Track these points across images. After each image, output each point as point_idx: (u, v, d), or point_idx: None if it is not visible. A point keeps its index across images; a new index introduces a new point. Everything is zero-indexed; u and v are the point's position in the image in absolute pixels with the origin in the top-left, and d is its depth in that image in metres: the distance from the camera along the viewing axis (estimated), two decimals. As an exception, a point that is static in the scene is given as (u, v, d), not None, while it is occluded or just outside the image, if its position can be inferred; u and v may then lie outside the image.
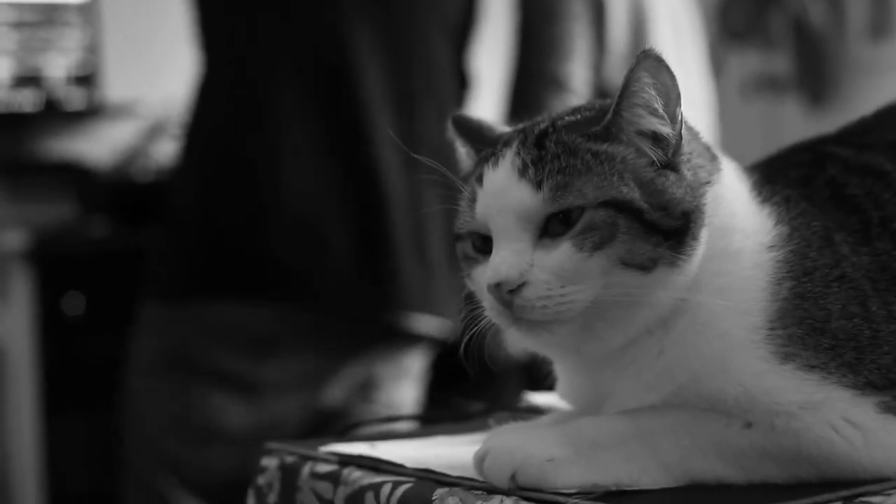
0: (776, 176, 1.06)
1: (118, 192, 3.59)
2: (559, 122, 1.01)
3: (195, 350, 2.15)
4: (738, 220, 1.02)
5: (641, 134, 0.99)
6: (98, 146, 3.92)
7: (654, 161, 0.99)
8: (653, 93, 0.98)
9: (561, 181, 0.97)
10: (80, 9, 3.86)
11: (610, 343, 1.00)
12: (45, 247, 3.51)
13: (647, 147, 0.99)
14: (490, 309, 1.00)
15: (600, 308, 0.98)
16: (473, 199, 1.01)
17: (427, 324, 2.23)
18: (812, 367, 0.97)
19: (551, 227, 0.98)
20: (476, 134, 1.06)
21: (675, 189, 0.98)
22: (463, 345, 1.05)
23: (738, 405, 0.98)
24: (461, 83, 2.38)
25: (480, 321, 1.03)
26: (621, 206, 0.97)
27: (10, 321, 3.61)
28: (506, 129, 1.07)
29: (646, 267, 0.97)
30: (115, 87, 3.91)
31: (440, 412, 1.45)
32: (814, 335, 0.98)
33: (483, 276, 1.00)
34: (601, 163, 0.98)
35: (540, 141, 1.00)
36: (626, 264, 0.97)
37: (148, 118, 3.90)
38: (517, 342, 1.03)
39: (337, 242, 2.14)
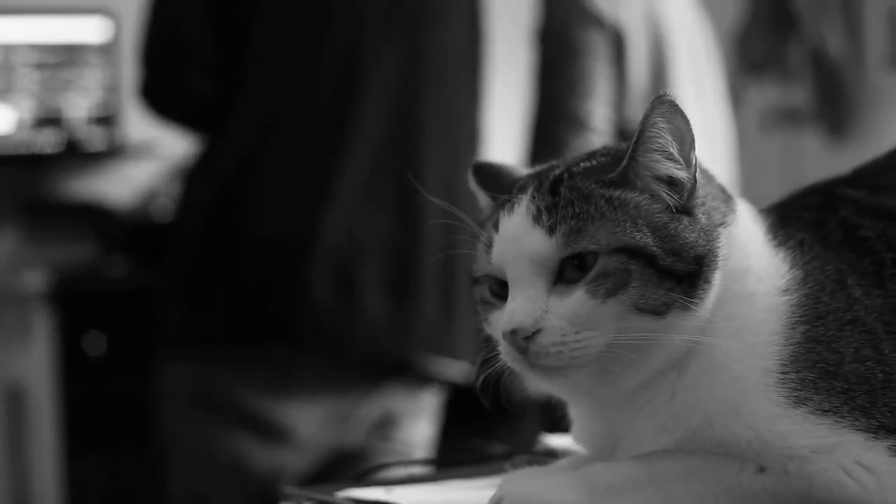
0: (790, 218, 1.07)
1: (138, 232, 3.63)
2: (574, 168, 1.02)
3: (218, 390, 2.18)
4: (752, 262, 1.02)
5: (657, 179, 1.00)
6: (118, 186, 3.96)
7: (668, 206, 1.00)
8: (668, 137, 0.99)
9: (574, 227, 0.98)
10: (101, 49, 3.89)
11: (624, 386, 1.00)
12: (65, 287, 3.54)
13: (662, 192, 1.00)
14: (506, 354, 1.01)
15: (614, 352, 0.98)
16: (490, 245, 1.02)
17: (447, 365, 2.24)
18: (825, 412, 0.97)
19: (566, 273, 0.99)
20: (496, 180, 1.08)
21: (688, 233, 0.99)
22: (480, 384, 1.06)
23: (751, 449, 0.98)
24: (477, 128, 2.41)
25: (497, 362, 1.03)
26: (634, 252, 0.98)
27: (32, 361, 3.65)
28: (525, 172, 1.08)
29: (659, 312, 0.97)
30: (135, 127, 3.95)
31: (457, 455, 1.45)
32: (826, 379, 0.98)
33: (499, 321, 1.01)
34: (615, 209, 0.99)
35: (554, 187, 1.01)
36: (640, 309, 0.97)
37: (167, 158, 3.94)
38: (533, 385, 1.03)
39: (369, 285, 2.17)
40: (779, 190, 1.13)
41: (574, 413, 1.11)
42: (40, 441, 3.60)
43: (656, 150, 1.00)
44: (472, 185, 1.10)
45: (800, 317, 1.00)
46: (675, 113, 0.99)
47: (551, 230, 0.99)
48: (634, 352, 0.98)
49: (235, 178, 2.18)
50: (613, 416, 1.03)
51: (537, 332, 0.98)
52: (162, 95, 2.27)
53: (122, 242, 3.62)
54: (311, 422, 2.19)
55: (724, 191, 1.05)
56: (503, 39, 2.53)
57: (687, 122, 1.00)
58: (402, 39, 2.24)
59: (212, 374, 2.18)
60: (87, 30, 3.90)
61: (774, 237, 1.05)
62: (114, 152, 3.92)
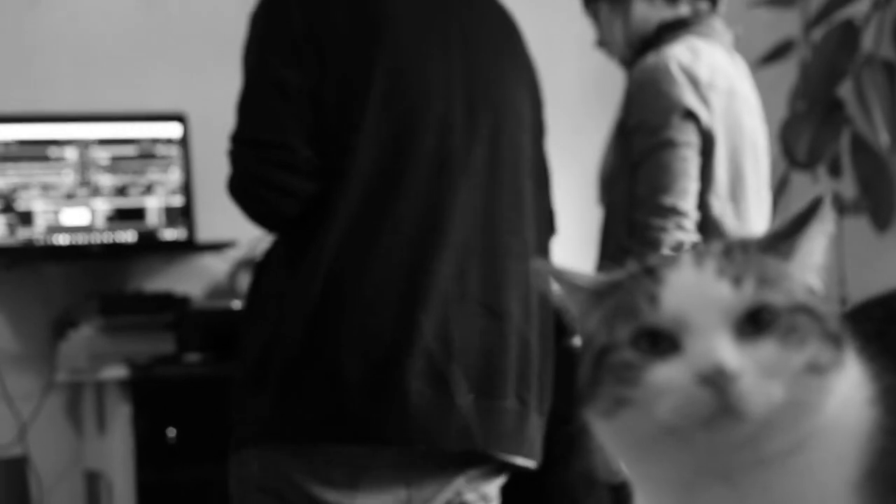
0: (856, 331, 1.08)
1: (212, 325, 3.71)
2: (738, 242, 1.05)
3: (292, 482, 2.22)
4: (847, 368, 1.02)
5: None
6: (193, 279, 4.08)
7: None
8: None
9: (760, 279, 0.99)
10: (176, 144, 4.03)
11: (769, 449, 1.00)
12: (142, 377, 3.64)
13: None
14: (688, 404, 0.98)
15: (780, 409, 0.98)
16: (653, 298, 1.01)
17: (517, 459, 2.33)
18: None
19: (747, 326, 0.99)
20: (568, 279, 1.09)
21: (828, 308, 1.02)
22: (552, 468, 1.09)
23: None
24: (548, 222, 2.51)
25: (577, 443, 1.06)
26: (810, 311, 1.00)
27: (110, 450, 3.73)
28: (602, 276, 1.09)
29: (826, 370, 0.99)
30: (209, 222, 4.07)
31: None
32: None
33: (670, 371, 0.99)
34: (788, 275, 1.02)
35: (729, 250, 1.02)
36: (814, 365, 0.98)
37: (240, 252, 4.07)
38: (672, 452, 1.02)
39: (459, 384, 2.23)
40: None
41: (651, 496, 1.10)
42: (119, 526, 3.67)
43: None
44: (543, 282, 1.12)
45: (879, 428, 1.01)
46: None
47: (737, 280, 0.99)
48: (797, 410, 0.98)
49: (328, 279, 2.21)
50: (702, 493, 1.03)
51: (733, 378, 0.96)
52: (258, 191, 2.25)
53: (197, 334, 3.69)
54: None
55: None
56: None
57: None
58: (486, 142, 2.34)
59: (287, 468, 2.23)
60: (162, 130, 4.03)
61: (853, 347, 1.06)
62: (188, 247, 4.05)
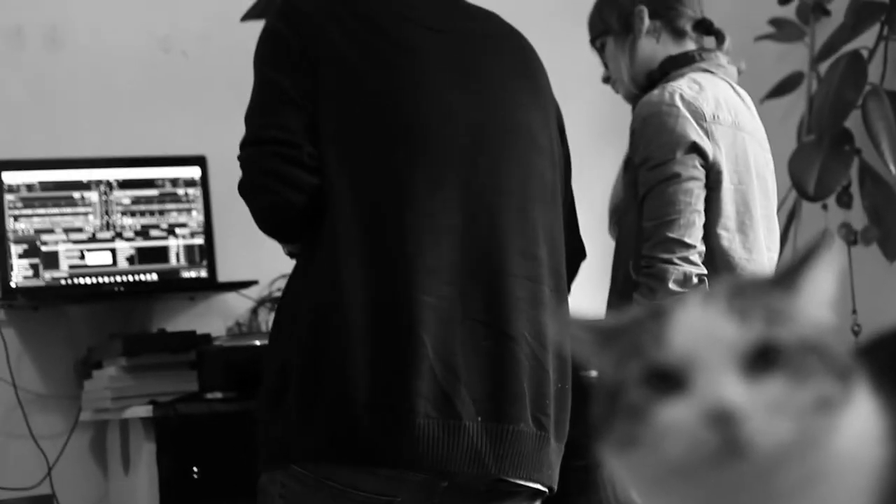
0: (871, 366, 1.06)
1: (233, 363, 3.74)
2: (746, 279, 1.06)
3: None
4: (860, 402, 1.01)
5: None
6: (214, 319, 4.13)
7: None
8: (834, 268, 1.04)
9: (767, 316, 0.99)
10: (196, 186, 4.10)
11: (774, 488, 0.99)
12: (166, 416, 3.67)
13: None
14: (690, 445, 0.98)
15: (787, 446, 0.99)
16: (659, 337, 1.01)
17: (534, 484, 2.37)
18: None
19: (754, 364, 0.98)
20: (596, 327, 1.08)
21: (839, 343, 1.01)
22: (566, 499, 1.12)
23: None
24: (569, 246, 2.54)
25: (595, 475, 1.13)
26: (818, 347, 0.99)
27: (136, 487, 3.77)
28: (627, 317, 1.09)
29: (833, 407, 0.98)
30: (230, 262, 4.13)
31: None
32: None
33: (678, 410, 0.98)
34: (797, 311, 1.01)
35: (736, 287, 1.02)
36: (821, 402, 0.97)
37: (260, 290, 4.13)
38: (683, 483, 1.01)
39: (462, 408, 2.26)
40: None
41: None
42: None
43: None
44: (573, 332, 1.09)
45: (894, 465, 0.99)
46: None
47: (744, 317, 0.99)
48: (805, 447, 0.97)
49: (331, 305, 2.28)
50: None
51: (740, 418, 0.96)
52: (268, 183, 2.33)
53: (219, 371, 3.73)
54: None
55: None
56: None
57: None
58: (493, 162, 2.40)
59: (312, 496, 2.28)
60: (182, 172, 4.10)
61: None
62: (209, 286, 4.11)
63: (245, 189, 2.37)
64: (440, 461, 2.25)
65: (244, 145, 2.37)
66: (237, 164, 2.40)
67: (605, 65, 2.99)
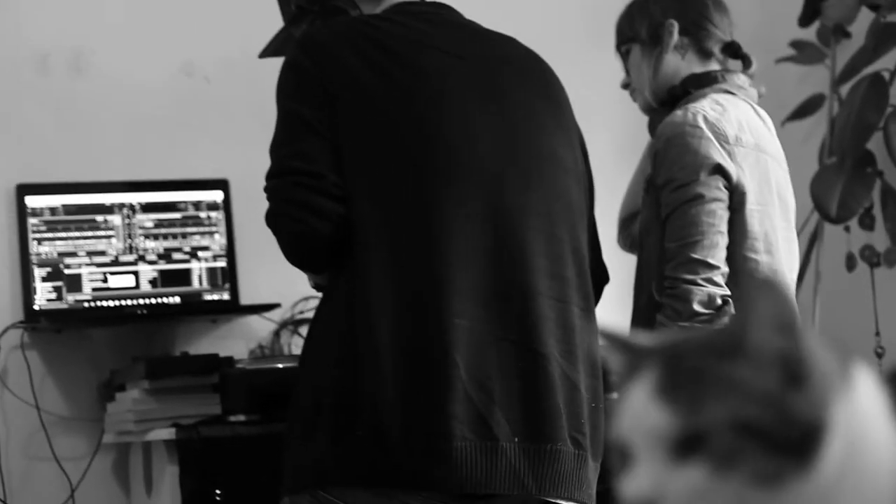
0: None
1: (256, 386, 3.75)
2: (692, 342, 1.03)
3: None
4: (873, 437, 0.98)
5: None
6: (237, 342, 4.14)
7: (784, 379, 0.98)
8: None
9: (690, 401, 0.97)
10: (219, 209, 4.12)
11: None
12: (189, 439, 3.68)
13: (776, 367, 0.98)
14: None
15: None
16: (615, 416, 1.03)
17: (577, 502, 2.36)
18: None
19: (682, 448, 0.98)
20: (622, 344, 1.09)
21: (802, 406, 0.97)
22: None
23: None
24: (593, 267, 2.54)
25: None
26: (750, 428, 0.96)
27: (158, 509, 3.78)
28: (645, 340, 1.09)
29: (775, 485, 0.95)
30: (252, 284, 4.15)
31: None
32: None
33: (625, 488, 1.00)
34: (730, 385, 0.98)
35: (671, 361, 1.01)
36: (758, 484, 0.96)
37: (283, 313, 4.14)
38: None
39: (498, 429, 2.26)
40: (852, 333, 1.16)
41: None
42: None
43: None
44: (604, 349, 1.10)
45: None
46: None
47: (670, 403, 0.98)
48: None
49: (362, 330, 2.29)
50: None
51: None
52: (294, 212, 2.35)
53: (242, 394, 3.74)
54: None
55: (843, 357, 1.01)
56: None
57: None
58: (518, 183, 2.40)
59: None
60: (205, 196, 4.12)
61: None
62: (232, 308, 4.12)
63: (271, 220, 2.41)
64: (480, 484, 2.25)
65: (269, 177, 2.41)
66: (259, 187, 2.44)
67: (627, 71, 2.99)
